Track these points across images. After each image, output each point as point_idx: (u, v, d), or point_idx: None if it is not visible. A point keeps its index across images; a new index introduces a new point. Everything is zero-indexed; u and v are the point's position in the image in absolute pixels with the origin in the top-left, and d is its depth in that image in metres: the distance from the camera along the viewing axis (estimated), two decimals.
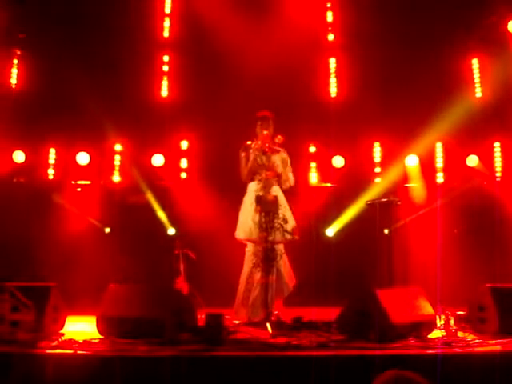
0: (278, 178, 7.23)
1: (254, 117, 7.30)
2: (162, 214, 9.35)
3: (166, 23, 9.69)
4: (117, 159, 9.57)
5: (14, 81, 9.42)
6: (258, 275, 6.90)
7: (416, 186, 9.59)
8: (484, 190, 9.49)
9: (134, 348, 5.24)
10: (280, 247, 6.99)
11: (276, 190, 7.13)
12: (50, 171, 9.52)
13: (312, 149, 9.71)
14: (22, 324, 5.59)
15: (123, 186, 9.56)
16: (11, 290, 5.66)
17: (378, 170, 9.66)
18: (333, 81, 9.75)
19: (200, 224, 9.06)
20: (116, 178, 9.55)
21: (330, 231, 9.54)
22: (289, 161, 7.34)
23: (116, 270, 8.64)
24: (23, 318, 5.60)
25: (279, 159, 7.22)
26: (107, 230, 9.41)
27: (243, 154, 7.25)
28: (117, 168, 9.56)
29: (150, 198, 9.40)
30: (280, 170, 7.21)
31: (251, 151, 7.17)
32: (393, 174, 9.48)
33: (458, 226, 7.59)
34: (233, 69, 9.17)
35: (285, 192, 7.27)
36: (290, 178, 7.33)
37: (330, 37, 9.76)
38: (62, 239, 9.08)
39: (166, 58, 9.67)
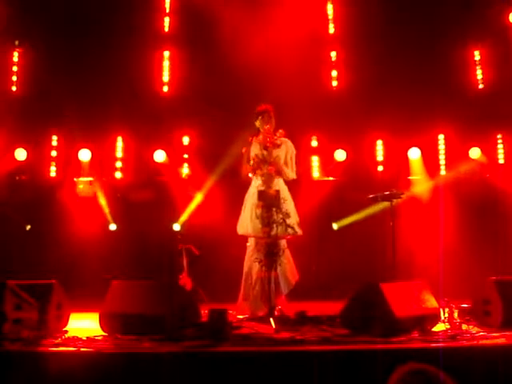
0: (280, 173, 7.13)
1: (255, 111, 7.23)
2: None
3: (167, 18, 9.68)
4: (119, 156, 9.55)
5: (14, 78, 9.41)
6: (256, 270, 6.86)
7: (419, 179, 9.56)
8: (487, 183, 9.47)
9: (137, 345, 5.22)
10: (283, 242, 6.94)
11: (280, 184, 7.05)
12: (52, 168, 9.51)
13: (314, 143, 9.68)
14: (25, 322, 5.57)
15: (126, 183, 9.55)
16: (14, 287, 5.64)
17: (380, 163, 9.64)
18: (334, 74, 9.72)
19: (203, 219, 9.04)
20: (118, 174, 9.54)
21: (336, 225, 9.51)
22: (291, 152, 7.18)
23: (119, 266, 8.62)
24: (26, 316, 5.59)
25: (283, 153, 7.13)
26: (113, 226, 9.39)
27: (244, 150, 7.16)
28: (119, 164, 9.54)
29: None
30: (281, 163, 7.10)
31: (252, 147, 7.11)
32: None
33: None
34: (234, 62, 9.13)
35: (288, 186, 7.19)
36: (287, 173, 7.18)
37: (331, 30, 9.73)
38: (65, 236, 9.08)
39: (166, 53, 9.65)
